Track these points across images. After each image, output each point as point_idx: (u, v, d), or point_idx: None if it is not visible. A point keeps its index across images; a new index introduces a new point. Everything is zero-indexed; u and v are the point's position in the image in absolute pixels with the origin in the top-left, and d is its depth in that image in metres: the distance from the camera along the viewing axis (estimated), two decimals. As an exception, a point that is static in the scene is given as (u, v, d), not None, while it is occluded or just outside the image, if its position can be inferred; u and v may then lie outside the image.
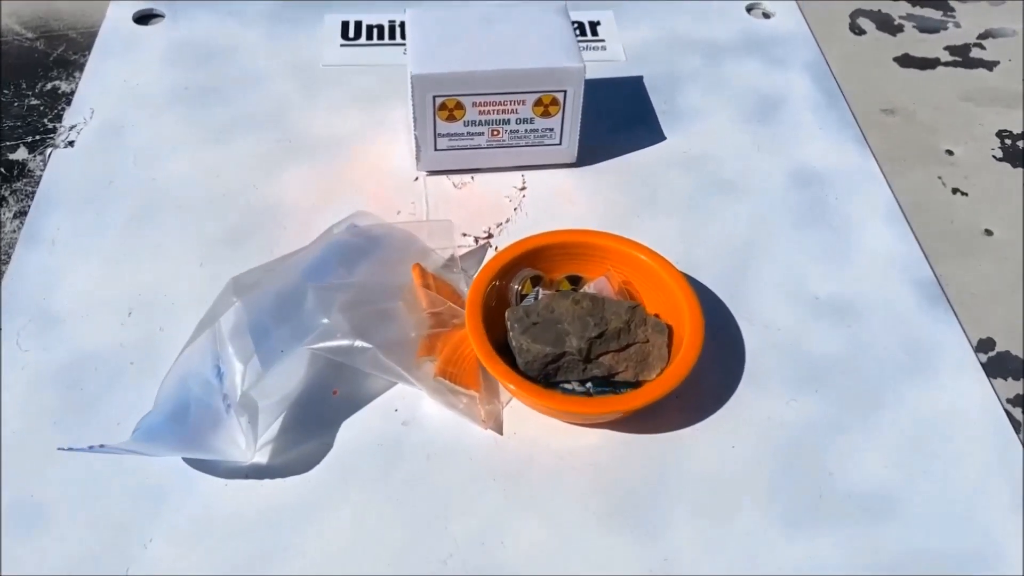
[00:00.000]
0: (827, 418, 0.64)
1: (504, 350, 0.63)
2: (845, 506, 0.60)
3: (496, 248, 0.75)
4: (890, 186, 0.81)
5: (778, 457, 0.62)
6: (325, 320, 0.60)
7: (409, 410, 0.64)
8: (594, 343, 0.63)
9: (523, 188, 0.80)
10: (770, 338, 0.69)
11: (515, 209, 0.78)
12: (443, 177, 0.81)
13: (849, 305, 0.71)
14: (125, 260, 0.73)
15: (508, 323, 0.64)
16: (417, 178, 0.80)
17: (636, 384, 0.64)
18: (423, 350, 0.65)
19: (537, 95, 0.76)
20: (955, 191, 0.76)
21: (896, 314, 0.71)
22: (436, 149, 0.78)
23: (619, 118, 0.86)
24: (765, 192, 0.80)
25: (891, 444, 0.63)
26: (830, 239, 0.76)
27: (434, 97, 0.74)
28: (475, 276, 0.66)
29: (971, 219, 0.79)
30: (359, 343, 0.61)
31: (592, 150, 0.82)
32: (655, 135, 0.85)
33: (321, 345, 0.61)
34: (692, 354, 0.62)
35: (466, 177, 0.81)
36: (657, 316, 0.66)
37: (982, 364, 0.68)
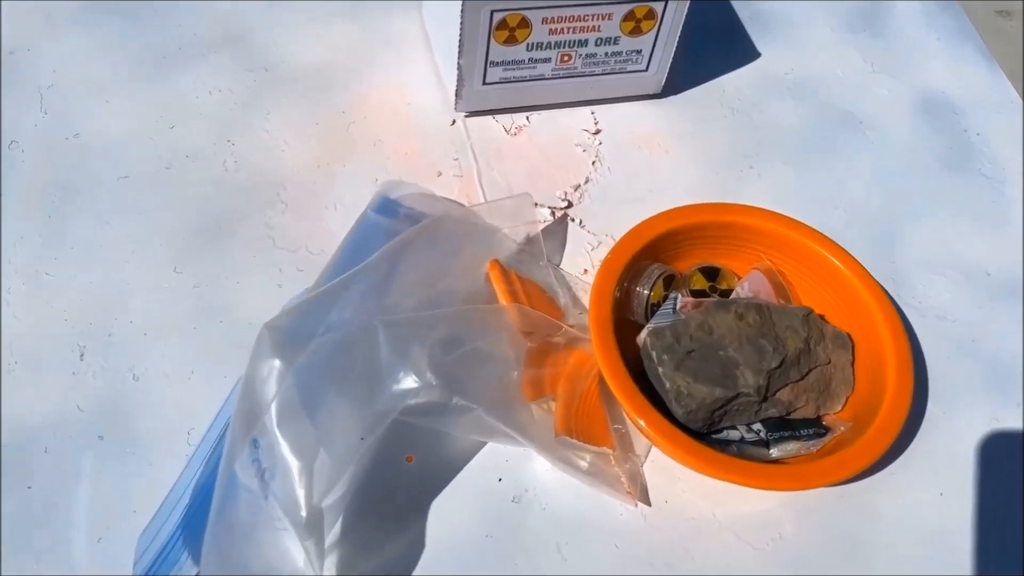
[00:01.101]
0: (1039, 441, 0.51)
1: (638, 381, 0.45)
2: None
3: (580, 223, 0.55)
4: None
5: (997, 496, 0.48)
6: (414, 382, 0.40)
7: (517, 478, 0.46)
8: (773, 375, 0.46)
9: (597, 131, 0.60)
10: (947, 332, 0.54)
11: (593, 162, 0.58)
12: (488, 118, 0.59)
13: (1026, 281, 0.57)
14: (58, 271, 0.49)
15: (651, 353, 0.45)
16: (454, 121, 0.59)
17: (817, 421, 0.48)
18: (530, 391, 0.46)
19: (629, 6, 0.55)
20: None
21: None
22: (485, 83, 0.56)
23: (696, 29, 0.66)
24: (892, 126, 0.63)
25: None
26: (984, 191, 0.61)
27: (492, 12, 0.52)
28: (593, 282, 0.47)
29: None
30: (458, 401, 0.42)
31: (672, 74, 0.62)
32: (745, 51, 0.66)
33: (409, 411, 0.41)
34: (906, 383, 0.46)
35: (519, 118, 0.60)
36: (831, 324, 0.49)
37: None
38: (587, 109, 0.61)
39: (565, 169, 0.58)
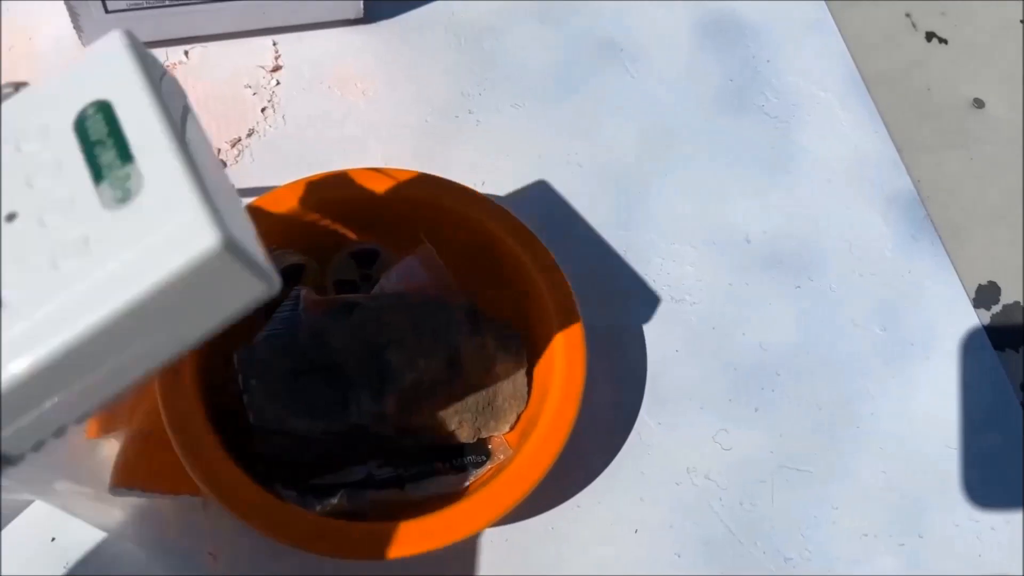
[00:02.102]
0: (775, 458, 0.41)
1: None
2: (812, 616, 0.38)
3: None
4: (842, 34, 0.54)
5: (705, 540, 0.39)
6: None
7: (79, 539, 0.36)
8: (407, 397, 0.35)
9: (276, 67, 0.48)
10: (683, 319, 0.44)
11: (264, 108, 0.47)
12: (135, 54, 0.47)
13: (795, 250, 0.46)
14: None
15: (238, 377, 0.35)
16: (88, 59, 0.47)
17: (478, 447, 0.38)
18: (99, 424, 0.36)
19: (276, -93, 0.42)
20: (930, 36, 0.50)
21: (863, 257, 0.47)
22: (108, 10, 0.44)
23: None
24: (662, 56, 0.52)
25: (871, 493, 0.41)
26: (763, 134, 0.50)
27: (78, -83, 0.40)
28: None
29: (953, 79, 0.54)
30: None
31: (387, -8, 0.50)
32: (489, -40, 0.54)
33: None
34: (572, 398, 0.36)
35: (176, 52, 0.48)
36: (505, 322, 0.39)
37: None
38: (269, 39, 0.48)
39: (226, 118, 0.46)
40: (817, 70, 0.52)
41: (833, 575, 0.39)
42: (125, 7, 0.44)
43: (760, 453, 0.41)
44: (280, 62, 0.48)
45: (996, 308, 0.47)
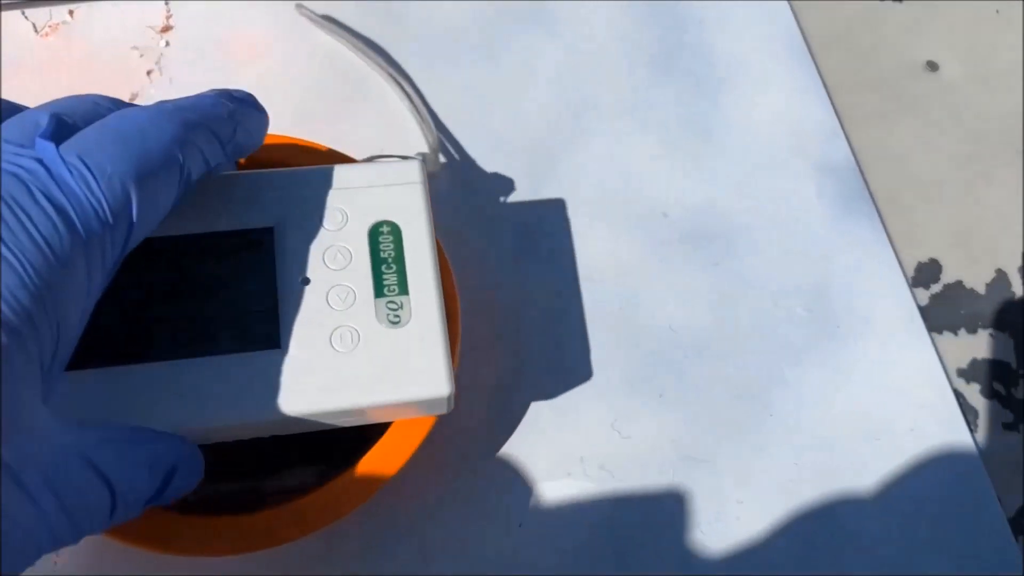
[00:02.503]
0: (676, 448, 0.38)
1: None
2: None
3: (109, 156, 0.41)
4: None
5: (600, 527, 0.36)
6: None
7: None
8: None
9: (167, 28, 0.45)
10: (583, 294, 0.41)
11: (150, 72, 0.44)
12: (14, 14, 0.45)
13: (714, 225, 0.43)
14: None
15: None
16: (-36, 19, 0.44)
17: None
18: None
19: None
20: None
21: (789, 234, 0.43)
22: (-20, -35, 0.42)
23: None
24: (584, 16, 0.48)
25: (783, 486, 0.38)
26: (688, 94, 0.46)
27: None
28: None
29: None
30: None
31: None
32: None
33: None
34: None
35: (61, 11, 0.45)
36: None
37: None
38: (161, -1, 0.46)
39: (110, 81, 0.43)
40: (754, 31, 0.48)
41: (730, 574, 0.36)
42: (-3, -38, 0.42)
43: (662, 442, 0.38)
44: (171, 23, 0.45)
45: (936, 288, 0.43)
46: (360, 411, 0.30)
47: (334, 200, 0.32)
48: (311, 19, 0.46)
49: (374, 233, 0.32)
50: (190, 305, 0.30)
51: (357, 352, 0.30)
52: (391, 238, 0.32)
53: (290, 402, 0.29)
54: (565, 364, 0.39)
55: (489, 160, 0.43)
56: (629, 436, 0.38)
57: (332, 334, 0.30)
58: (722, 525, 0.37)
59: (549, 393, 0.38)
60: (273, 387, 0.29)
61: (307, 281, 0.31)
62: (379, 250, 0.31)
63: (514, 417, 0.38)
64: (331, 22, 0.46)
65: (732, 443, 0.38)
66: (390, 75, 0.44)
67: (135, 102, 0.43)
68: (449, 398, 0.30)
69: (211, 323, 0.30)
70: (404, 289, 0.31)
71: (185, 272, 0.30)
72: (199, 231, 0.31)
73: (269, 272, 0.31)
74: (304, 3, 0.46)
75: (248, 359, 0.29)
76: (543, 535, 0.36)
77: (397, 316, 0.30)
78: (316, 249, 0.31)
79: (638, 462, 0.37)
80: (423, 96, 0.45)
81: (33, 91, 0.42)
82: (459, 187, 0.42)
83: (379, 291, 0.31)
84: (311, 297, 0.30)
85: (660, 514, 0.37)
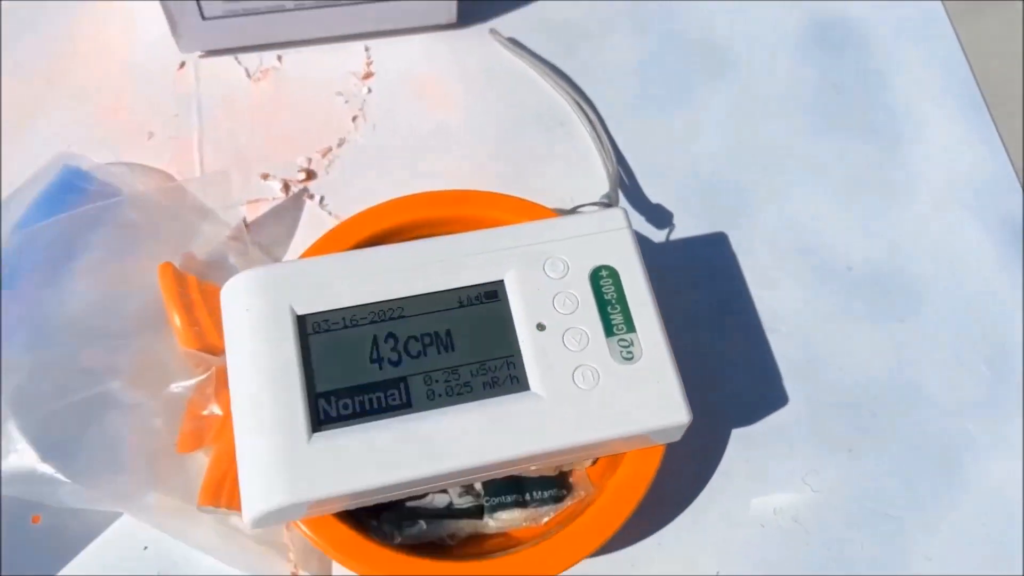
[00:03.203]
0: (867, 502, 0.39)
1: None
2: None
3: (322, 201, 0.44)
4: (960, 40, 0.50)
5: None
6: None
7: (168, 548, 0.37)
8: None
9: (368, 74, 0.47)
10: (776, 350, 0.42)
11: (355, 117, 0.46)
12: (228, 58, 0.47)
13: (897, 279, 0.44)
14: None
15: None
16: (183, 64, 0.47)
17: (558, 482, 0.37)
18: (185, 442, 0.36)
19: (375, -83, 0.42)
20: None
21: (971, 290, 0.44)
22: (205, 17, 0.44)
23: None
24: (765, 62, 0.49)
25: (970, 545, 0.39)
26: (871, 152, 0.47)
27: (180, -71, 0.41)
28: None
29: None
30: (45, 470, 0.33)
31: (481, -5, 0.49)
32: (586, -40, 0.52)
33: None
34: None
35: (270, 56, 0.48)
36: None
37: (1106, 376, 0.43)
38: (361, 44, 0.48)
39: (317, 126, 0.46)
40: (931, 82, 0.49)
41: (924, 631, 0.37)
42: (221, 14, 0.44)
43: (851, 497, 0.39)
44: (371, 68, 0.47)
45: (1117, 348, 0.44)
46: (606, 443, 0.32)
47: (554, 250, 0.34)
48: (502, 44, 0.47)
49: (595, 277, 0.34)
50: (443, 358, 0.32)
51: (599, 389, 0.32)
52: (611, 281, 0.34)
53: (545, 439, 0.31)
54: (756, 416, 0.41)
55: (673, 206, 0.45)
56: (819, 490, 0.39)
57: (573, 373, 0.32)
58: (912, 580, 0.38)
59: (742, 444, 0.40)
60: (527, 426, 0.31)
61: (542, 327, 0.33)
62: (602, 292, 0.34)
63: (711, 468, 0.39)
64: (520, 47, 0.47)
65: (919, 499, 0.39)
66: (576, 103, 0.46)
67: (342, 148, 0.45)
68: (686, 425, 0.32)
69: (463, 372, 0.32)
70: (631, 327, 0.33)
71: (436, 328, 0.33)
72: (442, 288, 0.34)
73: (507, 320, 0.33)
74: (496, 30, 0.48)
75: (502, 403, 0.32)
76: (740, 582, 0.37)
77: (630, 353, 0.33)
78: (545, 296, 0.34)
79: (829, 515, 0.39)
80: (606, 127, 0.46)
81: (245, 132, 0.45)
82: (641, 233, 0.44)
83: (609, 331, 0.33)
84: (548, 341, 0.33)
85: (851, 567, 0.38)
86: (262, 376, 0.32)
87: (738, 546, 0.38)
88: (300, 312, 0.33)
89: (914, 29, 0.51)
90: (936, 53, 0.50)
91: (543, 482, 0.37)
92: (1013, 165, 0.47)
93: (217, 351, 0.37)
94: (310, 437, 0.31)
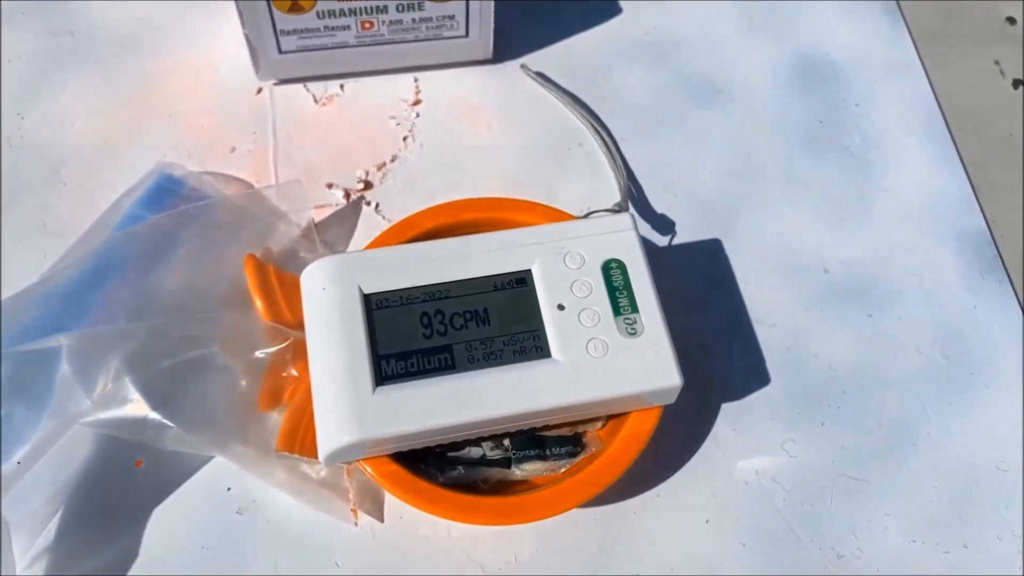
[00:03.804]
0: (836, 467, 0.46)
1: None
2: (859, 608, 0.43)
3: (377, 207, 0.52)
4: (929, 79, 0.58)
5: (768, 535, 0.44)
6: (87, 403, 0.39)
7: (248, 488, 0.44)
8: (512, 395, 0.43)
9: (416, 102, 0.56)
10: (761, 338, 0.49)
11: (405, 138, 0.54)
12: (299, 86, 0.56)
13: (868, 282, 0.51)
14: None
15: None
16: (260, 90, 0.55)
17: (574, 439, 0.44)
18: (266, 401, 0.44)
19: (426, -31, 0.50)
20: (1017, 83, 0.54)
21: (932, 291, 0.51)
22: (281, 51, 0.53)
23: (553, -21, 0.60)
24: (757, 96, 0.57)
25: (922, 505, 0.46)
26: (846, 172, 0.55)
27: (266, -21, 0.49)
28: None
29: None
30: (153, 417, 0.41)
31: (509, 34, 0.57)
32: (603, 7, 0.60)
33: (93, 420, 0.40)
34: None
35: (333, 86, 0.56)
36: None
37: (1047, 367, 0.50)
38: (411, 76, 0.56)
39: (373, 144, 0.54)
40: (903, 113, 0.56)
41: (881, 575, 0.44)
42: (295, 48, 0.52)
43: (822, 462, 0.46)
44: (420, 96, 0.56)
45: (1059, 344, 0.50)
46: (613, 401, 0.40)
47: (573, 246, 0.42)
48: (531, 77, 0.55)
49: (606, 268, 0.42)
50: (481, 330, 0.40)
51: (608, 357, 0.40)
52: (619, 271, 0.42)
53: (564, 395, 0.39)
54: (742, 392, 0.48)
55: (674, 216, 0.52)
56: (795, 455, 0.46)
57: (587, 345, 0.40)
58: (872, 533, 0.45)
59: (730, 416, 0.47)
60: (549, 385, 0.39)
61: (562, 307, 0.41)
62: (612, 280, 0.42)
63: (702, 435, 0.47)
64: (546, 79, 0.55)
65: (881, 465, 0.46)
66: (593, 127, 0.54)
67: (394, 163, 0.53)
68: (678, 388, 0.40)
69: (496, 342, 0.40)
70: (635, 308, 0.41)
71: (475, 306, 0.41)
72: (481, 275, 0.41)
73: (534, 301, 0.41)
74: (527, 65, 0.56)
75: (528, 367, 0.39)
76: (725, 530, 0.44)
77: (633, 329, 0.41)
78: (565, 283, 0.42)
79: (802, 477, 0.46)
80: (618, 147, 0.54)
81: (313, 152, 0.53)
82: (648, 239, 0.51)
83: (616, 311, 0.41)
84: (567, 318, 0.41)
85: (820, 520, 0.45)
86: (336, 342, 0.39)
87: (725, 500, 0.45)
88: (366, 291, 0.41)
89: (888, 67, 0.58)
90: (907, 89, 0.57)
91: (561, 440, 0.44)
92: (972, 186, 0.54)
93: (292, 326, 0.45)
94: (374, 390, 0.38)
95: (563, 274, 0.42)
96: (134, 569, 0.42)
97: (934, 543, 0.45)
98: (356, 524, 0.43)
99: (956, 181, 0.54)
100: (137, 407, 0.41)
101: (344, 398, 0.38)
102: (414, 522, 0.44)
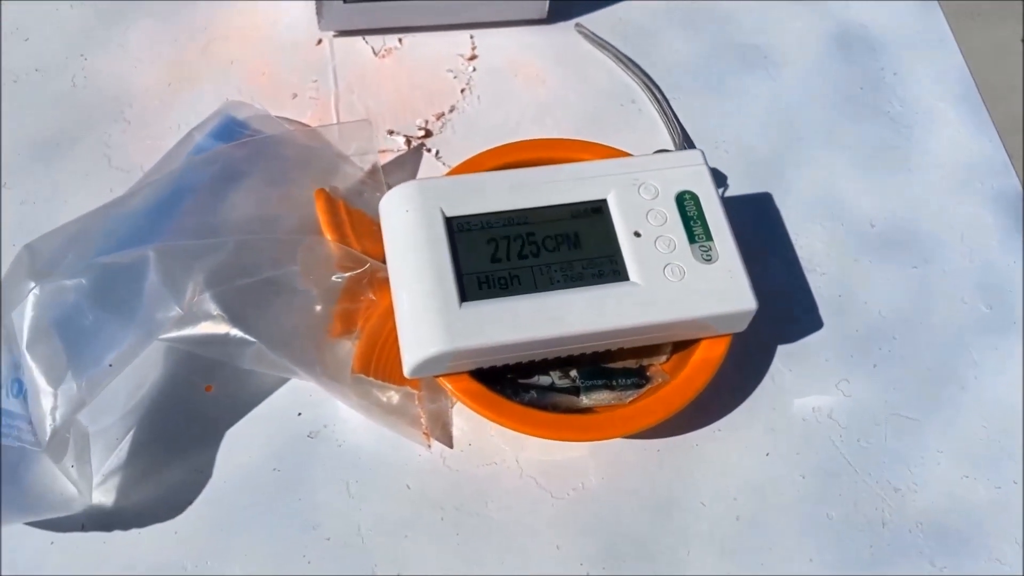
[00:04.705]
0: (888, 406, 0.48)
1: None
2: (916, 537, 0.44)
3: (437, 154, 0.53)
4: (962, 51, 0.60)
5: (825, 468, 0.46)
6: (177, 310, 0.39)
7: (318, 413, 0.45)
8: (584, 323, 0.44)
9: (473, 57, 0.57)
10: (813, 285, 0.51)
11: (463, 90, 0.56)
12: (358, 39, 0.57)
13: (912, 236, 0.53)
14: None
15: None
16: (320, 40, 0.57)
17: (638, 371, 0.45)
18: (338, 327, 0.45)
19: (495, -76, 0.52)
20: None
21: (973, 247, 0.53)
22: (347, 1, 0.54)
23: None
24: (798, 62, 0.59)
25: (973, 443, 0.47)
26: (887, 134, 0.57)
27: (341, -75, 0.50)
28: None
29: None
30: (235, 333, 0.41)
31: (564, -2, 0.59)
32: (651, -25, 0.62)
33: (175, 335, 0.40)
34: (720, 340, 0.44)
35: (391, 39, 0.57)
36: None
37: (1084, 319, 0.52)
38: (467, 33, 0.58)
39: (431, 96, 0.55)
40: (938, 82, 0.59)
41: (936, 506, 0.45)
42: (359, -1, 0.54)
43: (875, 401, 0.48)
44: (476, 52, 0.57)
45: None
46: (691, 322, 0.41)
47: (647, 178, 0.44)
48: (586, 36, 0.57)
49: (679, 199, 0.44)
50: (559, 254, 0.41)
51: (685, 281, 0.41)
52: (692, 203, 0.44)
53: (644, 315, 0.40)
54: (797, 335, 0.49)
55: (725, 170, 0.54)
56: (850, 395, 0.48)
57: (664, 269, 0.42)
58: (925, 467, 0.46)
59: (787, 358, 0.48)
60: (628, 305, 0.40)
61: (638, 234, 0.42)
62: (685, 210, 0.43)
63: (760, 374, 0.48)
64: (599, 39, 0.57)
65: (930, 405, 0.48)
66: (646, 84, 0.55)
67: (453, 113, 0.54)
68: (752, 312, 0.42)
69: (575, 265, 0.41)
70: (709, 237, 0.43)
71: (553, 232, 0.42)
72: (558, 203, 0.42)
73: (610, 229, 0.42)
74: (582, 24, 0.57)
75: (607, 288, 0.40)
76: (785, 462, 0.45)
77: (708, 255, 0.42)
78: (640, 212, 0.43)
79: (857, 414, 0.47)
80: (671, 104, 0.55)
81: (373, 101, 0.54)
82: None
83: (691, 239, 0.42)
84: (643, 244, 0.42)
85: (875, 455, 0.46)
86: (421, 261, 0.40)
87: (783, 435, 0.46)
88: (449, 215, 0.42)
89: (922, 40, 0.60)
90: (940, 60, 0.60)
91: (627, 372, 0.45)
92: (1005, 147, 0.56)
93: (357, 259, 0.46)
94: (460, 305, 0.39)
95: (638, 204, 0.43)
96: (206, 490, 0.43)
97: (986, 479, 0.46)
98: (429, 446, 0.44)
99: (991, 146, 0.56)
100: (218, 324, 0.41)
101: (431, 312, 0.39)
102: (483, 450, 0.45)
